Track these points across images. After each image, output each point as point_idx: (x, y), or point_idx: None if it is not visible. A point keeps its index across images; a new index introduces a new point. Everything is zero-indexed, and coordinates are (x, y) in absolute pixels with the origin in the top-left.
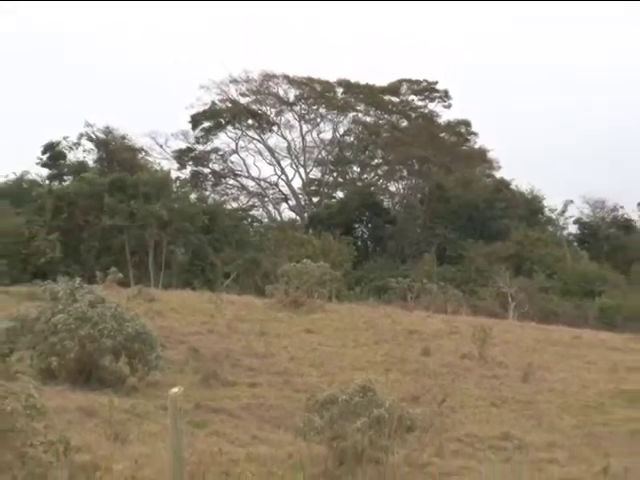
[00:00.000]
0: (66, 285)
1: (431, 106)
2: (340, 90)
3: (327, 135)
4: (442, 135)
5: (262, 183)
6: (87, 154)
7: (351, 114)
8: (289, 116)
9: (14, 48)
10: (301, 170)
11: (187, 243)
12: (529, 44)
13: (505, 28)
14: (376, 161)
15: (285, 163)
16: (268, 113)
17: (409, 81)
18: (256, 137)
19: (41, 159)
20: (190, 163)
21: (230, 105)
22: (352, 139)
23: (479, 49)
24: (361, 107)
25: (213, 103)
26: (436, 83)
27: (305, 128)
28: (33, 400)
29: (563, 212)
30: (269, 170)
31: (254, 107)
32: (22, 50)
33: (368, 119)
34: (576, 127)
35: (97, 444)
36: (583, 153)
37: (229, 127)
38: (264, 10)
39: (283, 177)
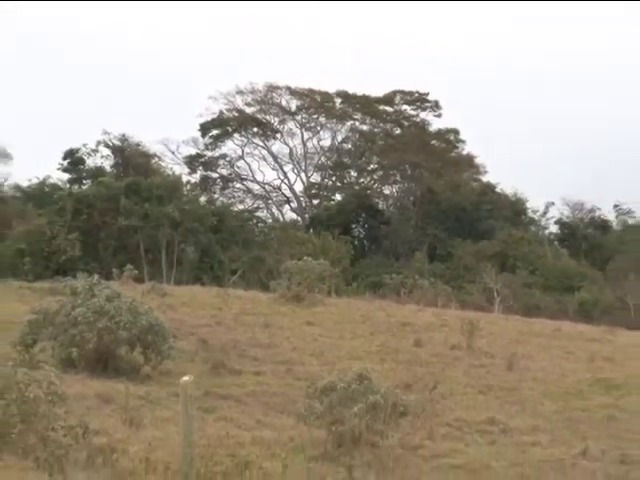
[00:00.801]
0: (85, 281)
1: (422, 115)
2: (338, 100)
3: (326, 142)
4: (433, 142)
5: (266, 187)
6: (104, 160)
7: (349, 123)
8: (291, 124)
9: (39, 63)
10: (302, 175)
11: (197, 242)
12: (515, 58)
13: (491, 42)
14: (372, 166)
15: (287, 168)
16: (272, 122)
17: (402, 92)
18: (261, 144)
19: (62, 164)
20: (200, 168)
21: (237, 114)
22: (349, 146)
23: (468, 62)
24: (358, 116)
25: (221, 112)
26: (427, 94)
27: (306, 136)
28: (54, 387)
29: (544, 213)
30: (273, 175)
31: (259, 116)
32: (45, 63)
33: (364, 127)
34: (558, 133)
35: (113, 428)
36: (564, 158)
37: (236, 135)
38: (268, 25)
39: (286, 181)
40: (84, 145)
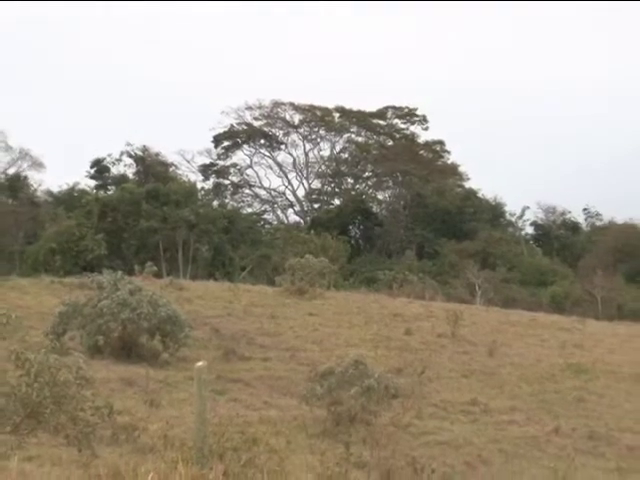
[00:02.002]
0: (110, 277)
1: (412, 128)
2: (337, 115)
3: (326, 152)
4: (421, 152)
5: (272, 192)
6: (127, 168)
7: (346, 135)
8: (294, 137)
9: (70, 81)
10: (304, 181)
11: (210, 242)
12: (495, 73)
13: (470, 58)
14: (366, 174)
15: (291, 176)
16: (277, 134)
17: (394, 107)
18: (267, 154)
19: (89, 172)
20: (212, 176)
21: (246, 127)
22: (347, 156)
23: (454, 80)
24: (354, 129)
25: (232, 126)
26: (416, 109)
27: (308, 147)
28: (82, 372)
29: (521, 216)
30: (278, 181)
31: (265, 129)
32: (76, 81)
33: (360, 139)
34: (534, 141)
35: (135, 408)
36: (538, 166)
37: (245, 146)
38: (274, 48)
39: (289, 187)
40: (109, 155)
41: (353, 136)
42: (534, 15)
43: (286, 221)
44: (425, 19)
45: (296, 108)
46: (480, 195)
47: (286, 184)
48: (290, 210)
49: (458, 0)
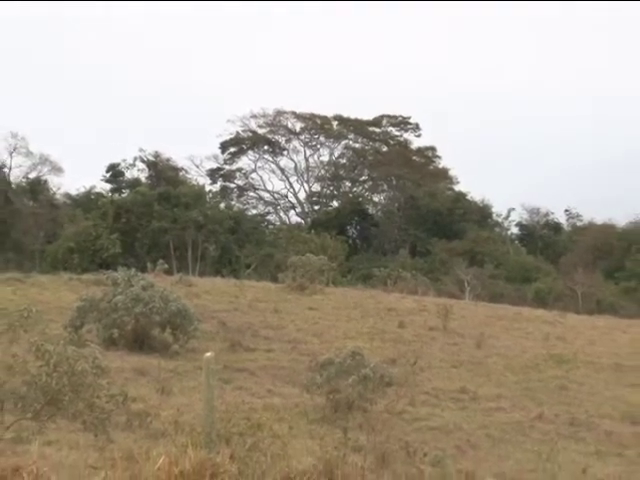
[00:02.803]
0: (124, 274)
1: (405, 135)
2: (335, 123)
3: (325, 158)
4: (414, 158)
5: (275, 195)
6: (140, 172)
7: (344, 141)
8: (296, 143)
9: (86, 91)
10: (305, 185)
11: (217, 241)
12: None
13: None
14: (363, 178)
15: (293, 179)
16: (280, 141)
17: (388, 116)
18: (270, 159)
19: (105, 176)
20: (220, 179)
21: (250, 135)
22: (344, 161)
23: (444, 91)
24: (351, 136)
25: (237, 133)
26: (409, 118)
27: (308, 152)
28: (98, 362)
29: (507, 217)
30: (280, 185)
31: (269, 136)
32: (93, 92)
33: (357, 145)
34: (519, 146)
35: (148, 396)
36: (523, 170)
37: (250, 152)
38: (278, 59)
39: (291, 190)
40: (123, 160)
41: (350, 142)
42: (519, 19)
43: (288, 222)
44: (412, 34)
45: (297, 116)
46: (469, 197)
47: (288, 187)
48: (292, 212)
49: None
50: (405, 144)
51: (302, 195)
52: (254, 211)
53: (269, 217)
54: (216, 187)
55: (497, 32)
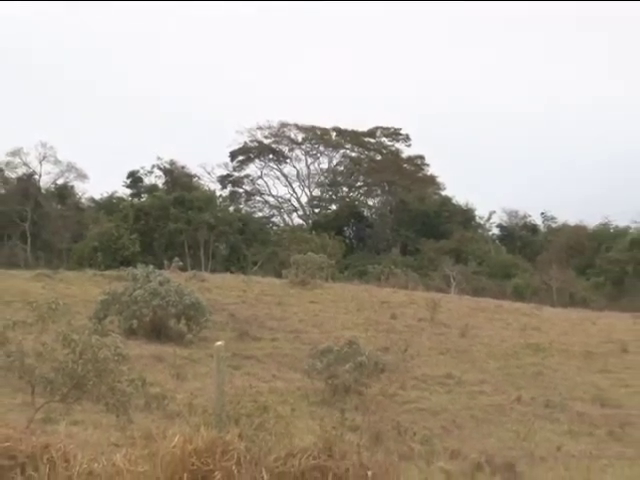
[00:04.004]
0: (143, 270)
1: (397, 145)
2: (334, 134)
3: (324, 165)
4: (404, 165)
5: (279, 199)
6: (157, 179)
7: (341, 151)
8: (298, 152)
9: (110, 103)
10: (306, 190)
11: (227, 241)
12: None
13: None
14: (359, 184)
15: (295, 185)
16: (283, 150)
17: (382, 128)
18: (275, 167)
19: (125, 182)
20: (229, 185)
21: (257, 144)
22: (342, 168)
23: (433, 103)
24: (348, 146)
25: (245, 143)
26: (400, 129)
27: (309, 161)
28: (120, 350)
29: (488, 219)
30: (284, 190)
31: (274, 146)
32: (115, 104)
33: (353, 154)
34: (500, 154)
35: (164, 381)
36: (503, 176)
37: (256, 160)
38: (282, 77)
39: (294, 195)
40: (142, 168)
41: (347, 152)
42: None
43: (291, 223)
44: (403, 54)
45: (299, 128)
46: (454, 201)
47: (291, 192)
48: (294, 214)
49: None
50: (397, 153)
51: (304, 199)
52: (260, 214)
53: (274, 219)
54: (226, 192)
55: (475, 49)
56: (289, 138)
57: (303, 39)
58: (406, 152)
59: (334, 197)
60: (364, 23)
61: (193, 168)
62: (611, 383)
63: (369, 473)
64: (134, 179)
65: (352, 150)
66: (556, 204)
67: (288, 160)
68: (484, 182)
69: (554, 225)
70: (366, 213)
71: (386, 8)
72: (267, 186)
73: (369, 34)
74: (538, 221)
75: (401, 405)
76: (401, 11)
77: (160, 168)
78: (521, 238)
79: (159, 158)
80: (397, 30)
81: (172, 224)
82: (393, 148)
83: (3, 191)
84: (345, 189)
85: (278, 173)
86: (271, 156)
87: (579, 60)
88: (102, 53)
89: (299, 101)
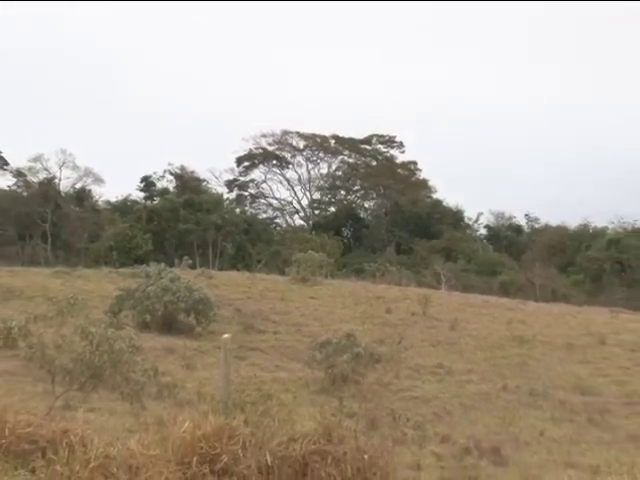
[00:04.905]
0: (155, 268)
1: (391, 151)
2: (332, 141)
3: (324, 170)
4: (399, 171)
5: (282, 202)
6: (169, 183)
7: (340, 157)
8: (299, 158)
9: (126, 111)
10: (307, 193)
11: (233, 241)
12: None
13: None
14: (356, 187)
15: (297, 189)
16: (286, 156)
17: (377, 135)
18: (278, 172)
19: (139, 186)
20: (235, 189)
21: (261, 151)
22: (340, 173)
23: (424, 112)
24: (346, 152)
25: (250, 150)
26: (395, 137)
27: (310, 166)
28: (134, 342)
29: (476, 220)
30: (286, 193)
31: (277, 152)
32: (131, 113)
33: (351, 160)
34: (485, 161)
35: (175, 371)
36: (490, 180)
37: (260, 165)
38: (286, 89)
39: (295, 198)
40: (154, 173)
41: (345, 158)
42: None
43: (293, 224)
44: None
45: (301, 136)
46: (445, 204)
47: (293, 195)
48: (296, 216)
49: None
50: (391, 159)
51: (304, 202)
52: (264, 215)
53: (277, 220)
54: (232, 195)
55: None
56: (291, 145)
57: (303, 50)
58: (400, 158)
59: (333, 200)
60: (361, 25)
61: (202, 173)
62: (590, 373)
63: (365, 456)
64: (147, 183)
65: (350, 156)
66: (540, 206)
67: (290, 165)
68: (473, 186)
69: (537, 226)
70: (363, 215)
71: (381, 10)
72: (270, 190)
73: (363, 37)
74: (522, 222)
75: (395, 393)
76: (393, 13)
77: (171, 173)
78: (507, 238)
79: (170, 164)
80: (385, 32)
81: (182, 225)
82: (388, 154)
83: (26, 194)
84: (343, 192)
85: (281, 178)
86: (274, 162)
87: (563, 61)
88: (117, 68)
89: (301, 110)
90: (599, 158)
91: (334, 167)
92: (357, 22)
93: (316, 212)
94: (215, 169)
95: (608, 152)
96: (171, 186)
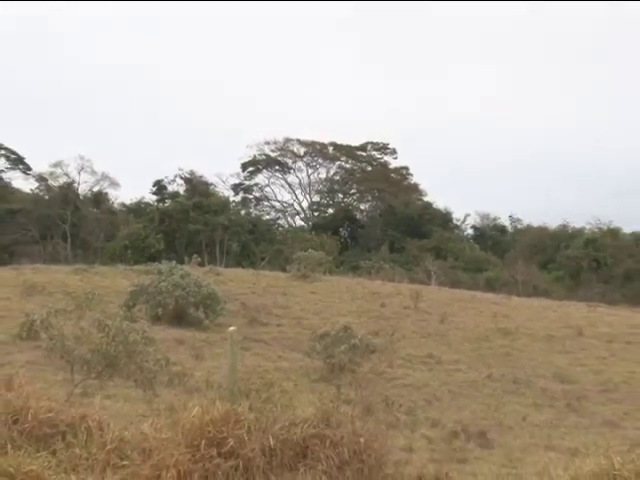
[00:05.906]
0: (166, 265)
1: (385, 158)
2: (331, 148)
3: (323, 175)
4: (392, 175)
5: (284, 204)
6: (179, 186)
7: (337, 163)
8: (300, 164)
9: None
10: (307, 196)
11: (239, 240)
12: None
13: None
14: (352, 191)
15: (298, 192)
16: (287, 162)
17: (372, 143)
18: (280, 177)
19: (152, 189)
20: (241, 192)
21: (265, 157)
22: (338, 178)
23: (416, 120)
24: (343, 158)
25: (254, 156)
26: (388, 144)
27: (310, 171)
28: (147, 334)
29: (464, 221)
30: (288, 196)
31: (279, 158)
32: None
33: (347, 166)
34: (471, 165)
35: (185, 360)
36: (477, 184)
37: (264, 170)
38: (287, 98)
39: (296, 201)
40: (166, 177)
41: (343, 163)
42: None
43: (294, 225)
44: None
45: (301, 143)
46: (434, 206)
47: (294, 198)
48: (297, 217)
49: None
50: (385, 164)
51: (305, 204)
52: (267, 217)
53: (279, 221)
54: (238, 198)
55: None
56: (292, 152)
57: (304, 48)
58: (393, 163)
59: (331, 202)
60: (356, 28)
61: (210, 177)
62: (569, 362)
63: (361, 440)
64: (159, 187)
65: (347, 162)
66: (522, 207)
67: (291, 171)
68: (460, 189)
69: (520, 226)
70: (359, 216)
71: (372, 19)
72: (273, 193)
73: (358, 44)
74: (506, 223)
75: (389, 381)
76: (381, 21)
77: (181, 177)
78: (492, 237)
79: (180, 169)
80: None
81: (192, 225)
82: (382, 160)
83: (47, 197)
84: (341, 195)
85: (283, 182)
86: (277, 167)
87: (547, 69)
88: (131, 77)
89: (302, 119)
90: (580, 164)
91: (332, 172)
92: (361, 37)
93: (315, 214)
94: (222, 174)
95: (586, 158)
96: (181, 189)
